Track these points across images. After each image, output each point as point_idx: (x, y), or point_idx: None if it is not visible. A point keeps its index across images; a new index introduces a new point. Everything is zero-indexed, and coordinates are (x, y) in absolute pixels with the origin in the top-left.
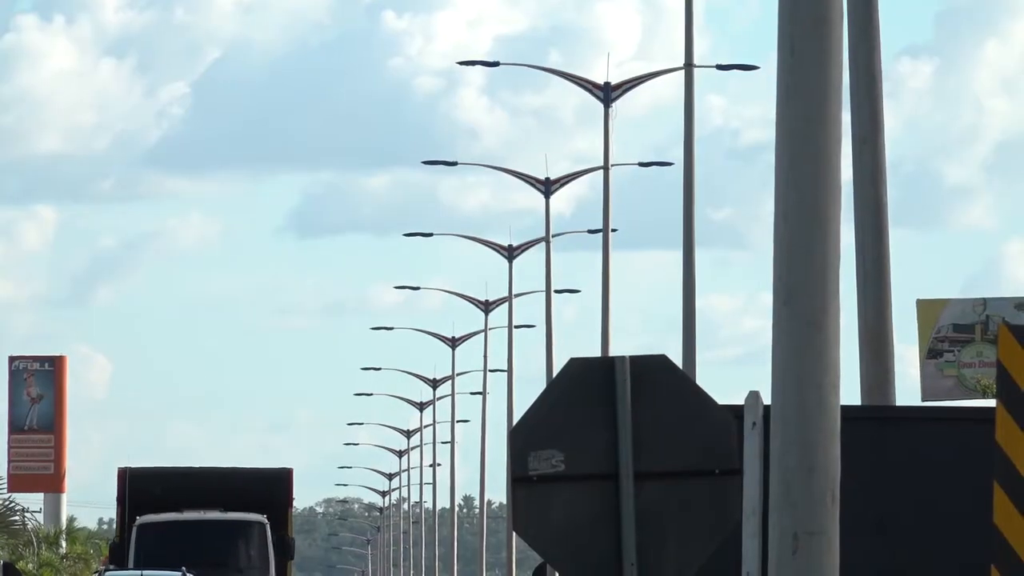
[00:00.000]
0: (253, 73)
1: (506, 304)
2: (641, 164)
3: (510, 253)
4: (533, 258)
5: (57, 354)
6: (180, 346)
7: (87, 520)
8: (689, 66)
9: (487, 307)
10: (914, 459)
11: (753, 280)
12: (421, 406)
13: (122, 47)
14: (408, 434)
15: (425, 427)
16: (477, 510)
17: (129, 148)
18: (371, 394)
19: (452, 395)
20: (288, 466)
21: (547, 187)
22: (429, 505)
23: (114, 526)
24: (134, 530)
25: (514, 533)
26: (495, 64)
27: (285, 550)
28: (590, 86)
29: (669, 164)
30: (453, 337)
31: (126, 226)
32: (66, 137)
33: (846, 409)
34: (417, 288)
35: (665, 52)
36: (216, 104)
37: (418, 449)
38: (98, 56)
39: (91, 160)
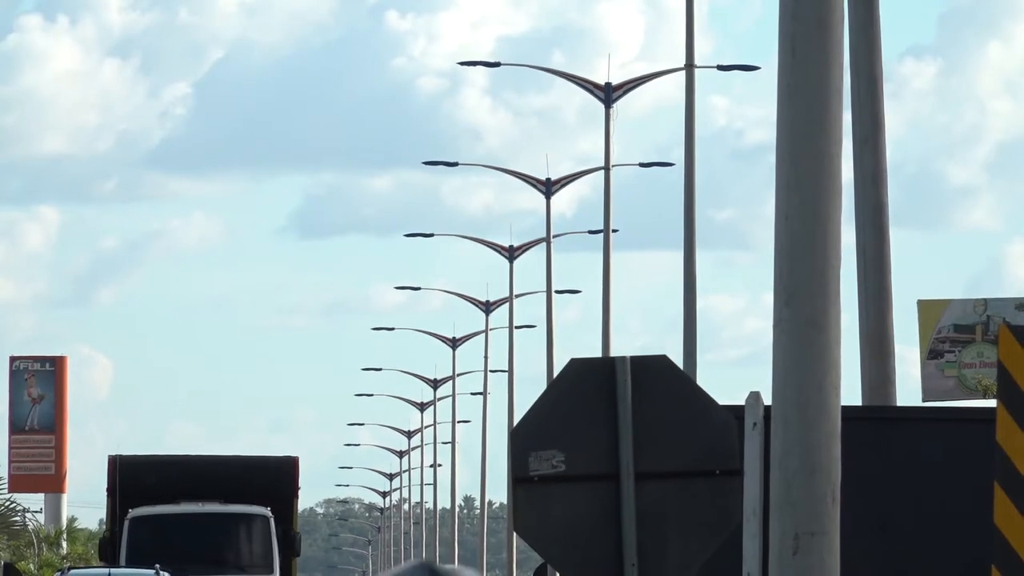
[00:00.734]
0: (256, 74)
1: (507, 304)
2: (642, 164)
3: (511, 253)
4: (534, 258)
5: (58, 354)
6: (181, 346)
7: (88, 520)
8: (690, 66)
9: (488, 307)
10: (914, 459)
11: (756, 281)
12: (422, 406)
13: (125, 48)
14: (409, 434)
15: (426, 427)
16: (478, 510)
17: (131, 148)
18: (372, 394)
19: (453, 395)
20: (293, 454)
21: (548, 188)
22: (430, 505)
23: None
24: (126, 523)
25: (514, 533)
26: (496, 64)
27: (290, 545)
28: (591, 86)
29: (670, 164)
30: (454, 337)
31: (128, 226)
32: (68, 137)
33: (847, 409)
34: (418, 288)
35: (668, 53)
36: (219, 105)
37: (419, 449)
38: (101, 57)
39: (93, 160)
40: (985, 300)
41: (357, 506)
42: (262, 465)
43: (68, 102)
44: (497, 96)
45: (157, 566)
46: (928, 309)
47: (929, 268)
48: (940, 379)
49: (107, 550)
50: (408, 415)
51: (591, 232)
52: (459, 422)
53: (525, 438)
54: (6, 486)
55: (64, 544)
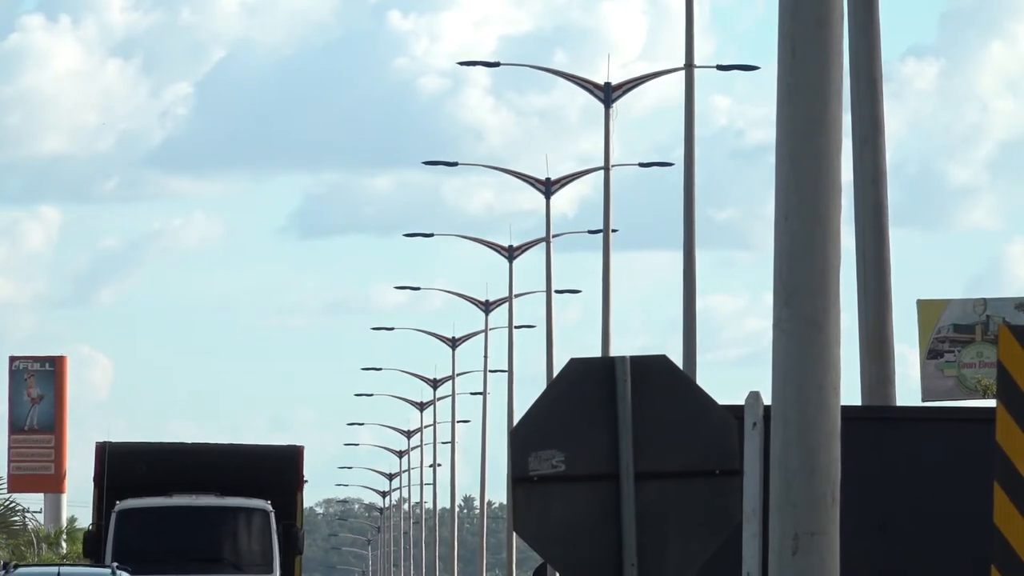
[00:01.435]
0: (257, 73)
1: (506, 304)
2: (642, 164)
3: (510, 253)
4: (534, 258)
5: (58, 354)
6: (181, 346)
7: (87, 520)
8: (690, 66)
9: (488, 307)
10: (914, 459)
11: (756, 281)
12: (421, 406)
13: (127, 48)
14: (408, 434)
15: (425, 427)
16: (477, 510)
17: (132, 148)
18: (371, 394)
19: (452, 395)
20: (298, 443)
21: (548, 187)
22: (429, 505)
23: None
24: (112, 517)
25: (514, 533)
26: (495, 64)
27: (292, 543)
28: (590, 86)
29: (670, 164)
30: (453, 337)
31: (129, 226)
32: (69, 137)
33: (847, 409)
34: (418, 288)
35: (670, 53)
36: (220, 104)
37: (418, 449)
38: (103, 57)
39: (94, 160)
40: (985, 300)
41: (357, 506)
42: (263, 455)
43: (69, 102)
44: (499, 96)
45: (114, 564)
46: (928, 309)
47: (929, 268)
48: (940, 379)
49: (92, 546)
50: (408, 415)
51: (591, 232)
52: (459, 422)
53: (525, 438)
54: (6, 486)
55: (64, 544)
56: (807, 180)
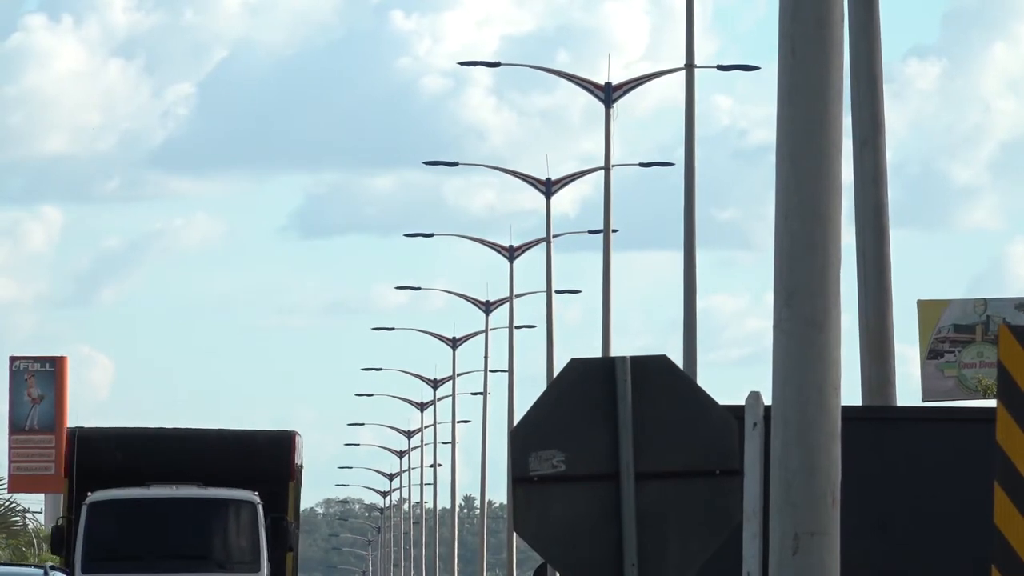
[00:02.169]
0: (259, 73)
1: (507, 304)
2: (642, 164)
3: (511, 253)
4: (534, 258)
5: (58, 354)
6: (181, 346)
7: None
8: (690, 67)
9: (488, 307)
10: (914, 459)
11: (758, 281)
12: (422, 406)
13: (129, 48)
14: (409, 434)
15: (426, 427)
16: (478, 510)
17: (134, 148)
18: (372, 394)
19: (453, 395)
20: (291, 429)
21: (548, 187)
22: (430, 505)
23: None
24: (83, 510)
25: (514, 533)
26: (495, 65)
27: (282, 538)
28: (591, 86)
29: (670, 164)
30: (454, 337)
31: (130, 226)
32: (71, 137)
33: (847, 409)
34: (418, 288)
35: (673, 53)
36: (221, 104)
37: (419, 449)
38: (105, 57)
39: (96, 160)
40: (985, 300)
41: (357, 506)
42: (251, 442)
43: (71, 102)
44: (501, 96)
45: (48, 565)
46: (928, 309)
47: (931, 268)
48: (940, 379)
49: (59, 542)
50: (408, 415)
51: (591, 232)
52: (459, 422)
53: (525, 438)
54: (6, 486)
55: None
56: (807, 180)
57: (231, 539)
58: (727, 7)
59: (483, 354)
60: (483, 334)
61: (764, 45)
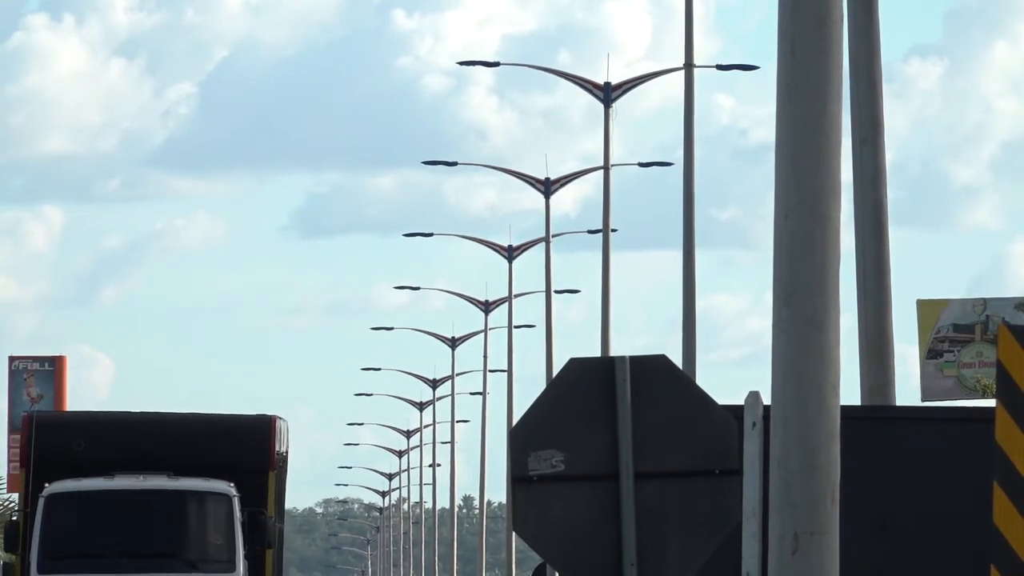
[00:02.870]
0: (260, 73)
1: (506, 304)
2: (641, 164)
3: (510, 253)
4: (534, 258)
5: (59, 354)
6: (181, 346)
7: None
8: (689, 66)
9: (487, 307)
10: (914, 459)
11: (758, 280)
12: (421, 406)
13: (131, 48)
14: (408, 434)
15: (425, 427)
16: (477, 510)
17: (135, 148)
18: (371, 394)
19: (452, 395)
20: (270, 413)
21: (547, 187)
22: (429, 505)
23: None
24: (40, 503)
25: (514, 533)
26: (495, 64)
27: (260, 533)
28: (590, 86)
29: (669, 164)
30: (453, 337)
31: (131, 226)
32: (72, 137)
33: (846, 409)
34: (417, 288)
35: (673, 53)
36: (222, 104)
37: (418, 449)
38: (107, 56)
39: (97, 160)
40: (984, 300)
41: (356, 506)
42: (227, 428)
43: (72, 102)
44: (502, 96)
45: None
46: (927, 309)
47: (931, 268)
48: (939, 379)
49: (13, 538)
50: (408, 415)
51: (591, 232)
52: (458, 422)
53: (524, 438)
54: (5, 486)
55: None
56: (807, 180)
57: (204, 535)
58: (727, 7)
59: (482, 354)
60: (482, 334)
61: (764, 45)
